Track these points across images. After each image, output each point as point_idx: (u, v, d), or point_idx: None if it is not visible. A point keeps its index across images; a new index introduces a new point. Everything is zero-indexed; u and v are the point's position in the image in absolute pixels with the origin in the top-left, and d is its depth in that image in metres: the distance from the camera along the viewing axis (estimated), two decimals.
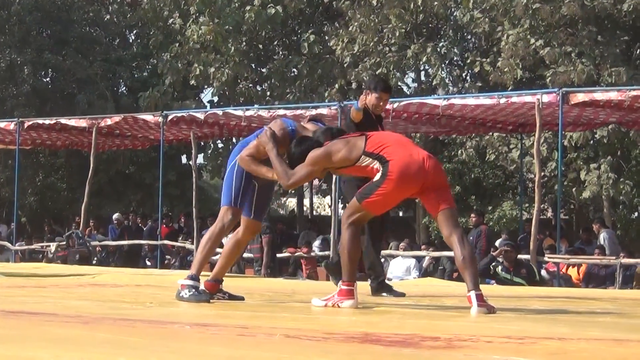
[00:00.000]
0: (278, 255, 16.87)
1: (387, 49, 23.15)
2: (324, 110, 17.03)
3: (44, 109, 27.62)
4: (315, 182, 32.15)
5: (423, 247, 18.29)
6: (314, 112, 17.13)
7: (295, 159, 6.40)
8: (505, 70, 20.59)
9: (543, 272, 15.56)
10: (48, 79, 30.76)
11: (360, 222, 6.37)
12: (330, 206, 24.57)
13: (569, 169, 21.66)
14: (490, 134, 20.99)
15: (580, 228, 21.35)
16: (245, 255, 17.09)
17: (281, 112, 17.55)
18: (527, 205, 22.19)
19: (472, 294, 5.96)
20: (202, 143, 26.18)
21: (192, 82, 25.75)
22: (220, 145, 28.12)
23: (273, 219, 25.17)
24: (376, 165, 6.19)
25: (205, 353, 3.70)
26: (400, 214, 33.62)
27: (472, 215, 17.08)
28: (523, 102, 15.14)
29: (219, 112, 18.66)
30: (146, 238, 20.49)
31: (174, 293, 6.66)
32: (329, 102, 21.65)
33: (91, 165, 19.00)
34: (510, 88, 20.14)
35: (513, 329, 5.05)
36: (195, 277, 6.64)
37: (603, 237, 17.84)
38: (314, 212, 36.84)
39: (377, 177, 6.18)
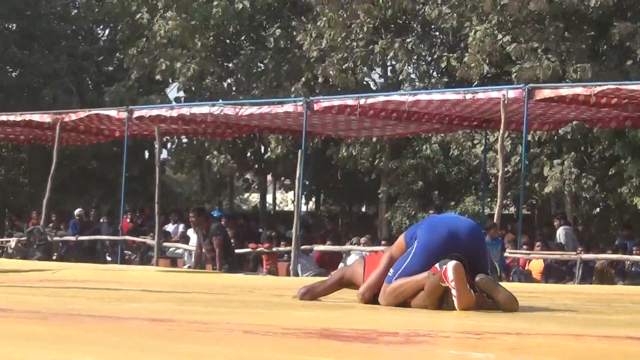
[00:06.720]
0: (239, 250, 16.86)
1: (355, 44, 23.14)
2: (289, 107, 16.95)
3: (7, 104, 27.37)
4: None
5: (383, 242, 18.12)
6: (279, 107, 17.04)
7: None
8: (472, 65, 20.63)
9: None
10: (14, 74, 30.46)
11: None
12: (293, 202, 24.55)
13: (532, 164, 21.76)
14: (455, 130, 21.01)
15: (542, 223, 21.42)
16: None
17: (247, 107, 17.47)
18: (489, 200, 22.27)
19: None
20: (166, 139, 26.01)
21: (158, 77, 25.63)
22: (184, 140, 28.00)
23: (237, 215, 25.10)
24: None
25: (163, 349, 3.67)
26: (363, 209, 33.63)
27: (431, 210, 16.99)
28: (489, 98, 15.20)
29: (186, 109, 18.51)
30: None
31: (133, 289, 6.61)
32: (295, 97, 21.61)
33: (54, 160, 18.86)
34: (475, 84, 20.19)
35: (471, 324, 5.05)
36: None
37: (559, 233, 17.83)
38: (277, 208, 36.82)
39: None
